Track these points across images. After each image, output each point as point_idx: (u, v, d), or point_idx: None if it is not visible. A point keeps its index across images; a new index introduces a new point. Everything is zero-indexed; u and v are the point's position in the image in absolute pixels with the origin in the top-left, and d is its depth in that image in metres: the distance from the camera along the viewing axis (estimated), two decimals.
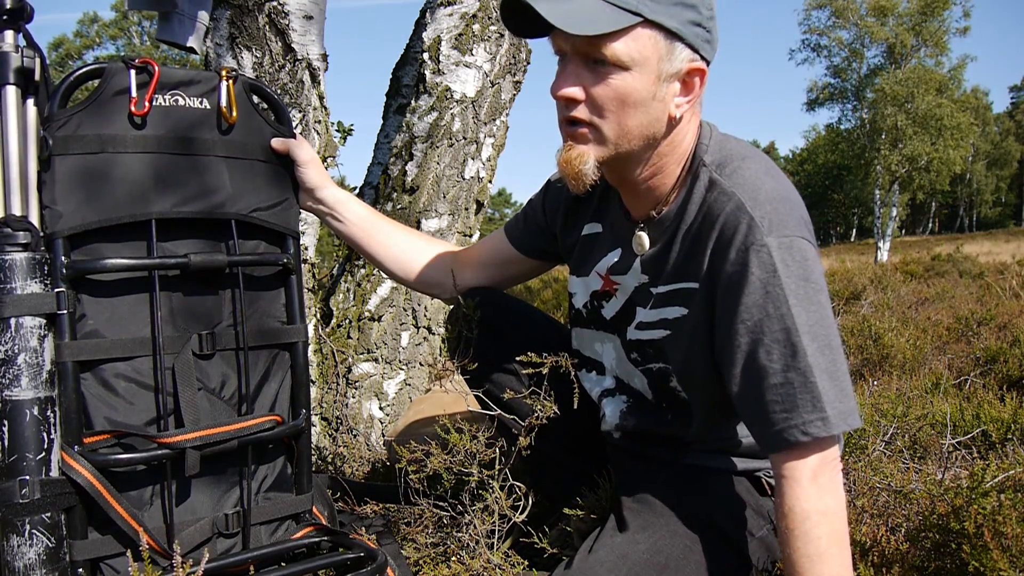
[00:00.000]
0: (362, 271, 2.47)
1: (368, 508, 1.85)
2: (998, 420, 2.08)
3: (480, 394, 1.52)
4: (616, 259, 1.33)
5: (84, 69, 1.22)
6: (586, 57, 1.09)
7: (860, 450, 1.84)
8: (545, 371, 1.34)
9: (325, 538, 1.34)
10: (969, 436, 2.04)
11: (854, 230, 57.46)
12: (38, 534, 1.09)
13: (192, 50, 1.92)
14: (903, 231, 53.02)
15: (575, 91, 1.10)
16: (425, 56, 2.47)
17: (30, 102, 1.17)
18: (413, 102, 2.50)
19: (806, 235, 1.11)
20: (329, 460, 2.25)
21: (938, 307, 4.67)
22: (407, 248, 1.57)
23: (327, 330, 2.43)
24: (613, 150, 1.14)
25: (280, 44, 2.18)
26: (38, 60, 1.17)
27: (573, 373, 1.34)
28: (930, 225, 56.72)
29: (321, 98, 2.34)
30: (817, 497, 1.05)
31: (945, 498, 1.29)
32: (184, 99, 1.26)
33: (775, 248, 1.08)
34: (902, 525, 1.39)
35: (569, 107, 1.11)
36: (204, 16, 1.92)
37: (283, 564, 1.30)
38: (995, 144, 48.66)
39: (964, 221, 56.27)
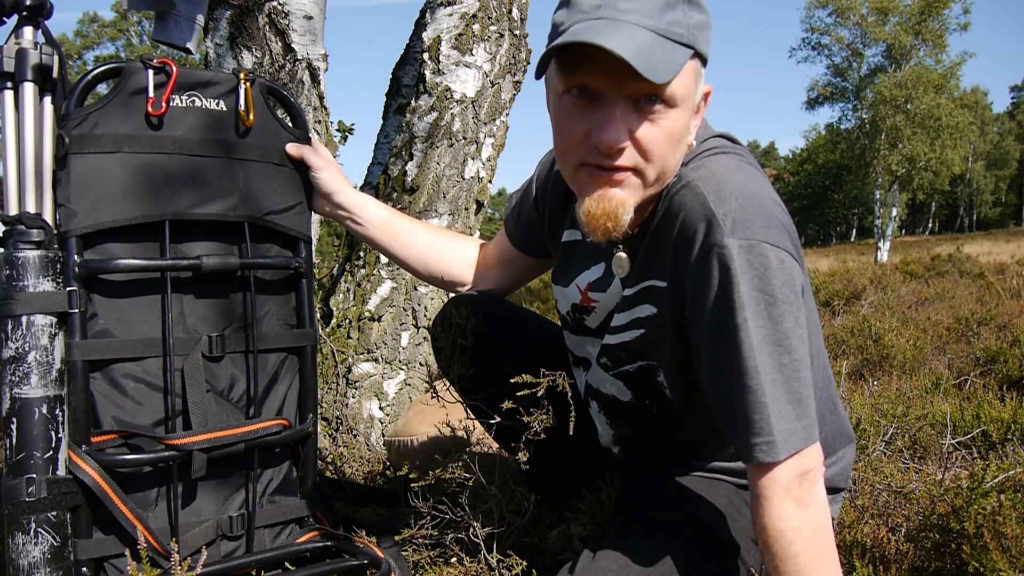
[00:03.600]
0: (362, 271, 2.47)
1: (369, 510, 1.85)
2: (998, 420, 2.08)
3: (476, 402, 1.51)
4: (597, 276, 1.27)
5: (102, 68, 1.22)
6: (634, 97, 0.99)
7: (860, 450, 1.84)
8: (540, 392, 1.28)
9: (329, 543, 1.34)
10: (969, 436, 2.04)
11: (854, 230, 57.43)
12: (43, 532, 1.09)
13: (188, 51, 1.92)
14: (903, 231, 53.00)
15: (625, 139, 0.99)
16: (425, 56, 2.47)
17: (47, 100, 1.17)
18: (413, 102, 2.50)
19: (771, 238, 1.01)
20: (329, 460, 2.25)
21: (938, 307, 4.67)
22: (429, 248, 1.54)
23: (327, 330, 2.43)
24: (649, 191, 1.06)
25: (280, 44, 2.18)
26: (56, 57, 1.17)
27: (571, 394, 1.27)
28: (930, 225, 56.70)
29: (321, 98, 2.34)
30: (791, 514, 0.99)
31: (945, 498, 1.29)
32: (201, 100, 1.27)
33: (735, 252, 0.99)
34: (902, 525, 1.39)
35: (614, 156, 1.01)
36: (200, 18, 1.92)
37: (290, 567, 1.30)
38: (995, 144, 48.65)
39: (964, 221, 56.26)
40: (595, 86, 0.99)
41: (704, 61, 1.04)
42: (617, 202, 1.03)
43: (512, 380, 1.28)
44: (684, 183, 1.09)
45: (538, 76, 1.03)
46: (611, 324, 1.24)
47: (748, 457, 1.02)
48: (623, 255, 1.19)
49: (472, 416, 1.53)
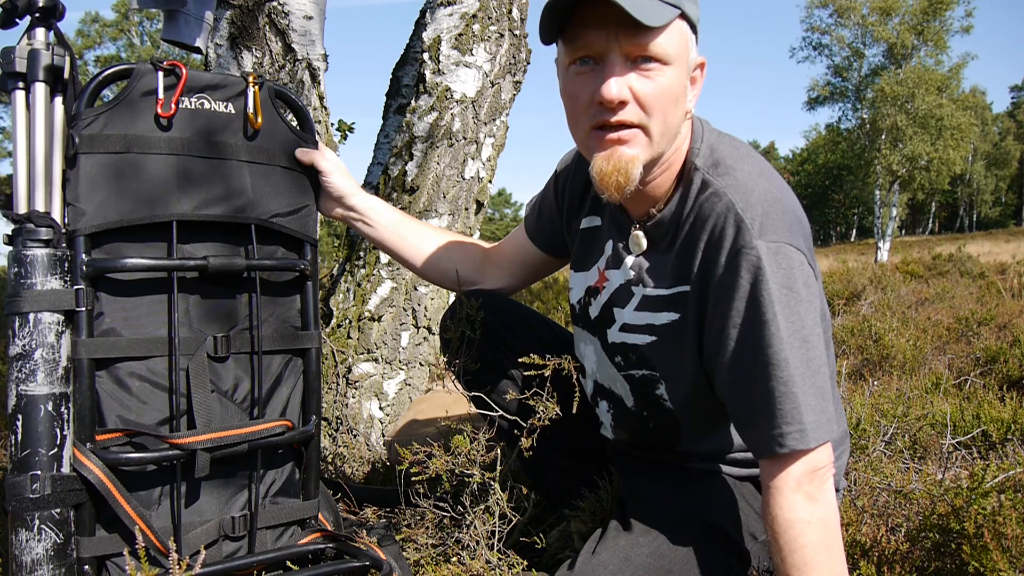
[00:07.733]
0: (362, 271, 2.47)
1: (369, 511, 1.86)
2: (998, 420, 2.08)
3: (480, 395, 1.52)
4: (610, 253, 1.31)
5: (113, 69, 1.23)
6: (631, 56, 1.06)
7: (860, 450, 1.84)
8: (547, 373, 1.33)
9: (331, 545, 1.35)
10: (969, 436, 2.04)
11: (854, 230, 57.46)
12: (47, 529, 1.10)
13: (198, 50, 1.93)
14: (903, 231, 52.99)
15: (626, 93, 1.06)
16: (425, 56, 2.47)
17: (58, 100, 1.18)
18: (413, 102, 2.50)
19: (795, 242, 1.09)
20: (329, 460, 2.25)
21: (938, 307, 4.67)
22: (437, 249, 1.57)
23: (327, 330, 2.43)
24: (657, 150, 1.12)
25: (280, 44, 2.19)
26: (68, 58, 1.18)
27: (575, 376, 1.33)
28: (930, 225, 56.69)
29: (321, 98, 2.35)
30: (801, 506, 1.04)
31: (945, 498, 1.29)
32: (210, 103, 1.27)
33: (764, 252, 1.06)
34: (902, 525, 1.39)
35: (617, 110, 1.07)
36: (209, 16, 1.93)
37: (293, 567, 1.30)
38: (995, 144, 48.61)
39: (964, 221, 56.24)
40: (595, 46, 1.07)
41: (693, 28, 1.11)
42: (627, 159, 1.09)
43: (520, 360, 1.33)
44: (712, 190, 1.14)
45: (545, 41, 1.13)
46: (621, 321, 1.27)
47: (770, 449, 1.06)
48: (639, 233, 1.24)
49: (476, 409, 1.54)
